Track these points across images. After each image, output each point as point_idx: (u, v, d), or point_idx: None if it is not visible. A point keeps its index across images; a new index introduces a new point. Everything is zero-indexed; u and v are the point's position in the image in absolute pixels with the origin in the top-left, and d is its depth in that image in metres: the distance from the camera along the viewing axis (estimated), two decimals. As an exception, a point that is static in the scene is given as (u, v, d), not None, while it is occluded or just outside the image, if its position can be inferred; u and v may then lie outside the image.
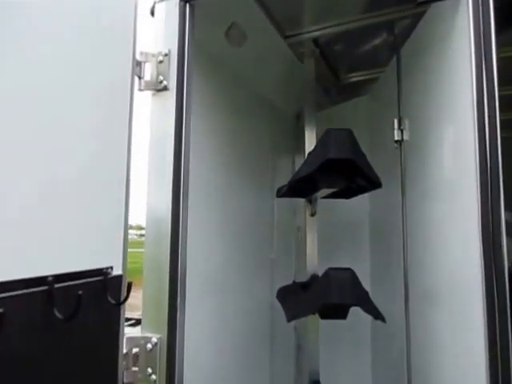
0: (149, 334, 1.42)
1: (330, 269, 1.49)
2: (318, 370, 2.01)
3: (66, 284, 1.00)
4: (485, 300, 1.28)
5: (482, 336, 1.27)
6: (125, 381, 1.40)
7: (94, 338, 1.13)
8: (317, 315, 2.05)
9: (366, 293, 1.51)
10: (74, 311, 0.94)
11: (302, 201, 2.21)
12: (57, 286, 0.97)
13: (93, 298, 1.10)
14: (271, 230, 2.52)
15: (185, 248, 1.49)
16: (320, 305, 1.45)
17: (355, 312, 1.79)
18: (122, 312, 1.20)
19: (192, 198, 1.55)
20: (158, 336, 1.41)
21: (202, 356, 1.69)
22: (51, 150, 1.08)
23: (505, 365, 1.23)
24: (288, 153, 2.75)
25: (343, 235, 2.48)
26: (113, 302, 1.13)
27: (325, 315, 1.68)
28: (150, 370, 1.40)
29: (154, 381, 1.39)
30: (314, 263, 2.07)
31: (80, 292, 0.95)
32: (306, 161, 1.69)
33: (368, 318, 2.29)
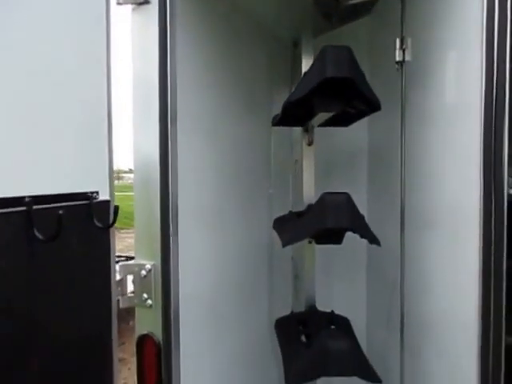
0: (143, 261, 1.41)
1: (326, 193, 1.45)
2: (314, 296, 2.04)
3: (48, 206, 0.96)
4: (481, 227, 1.26)
5: (477, 261, 1.25)
6: (121, 306, 1.41)
7: (84, 262, 1.11)
8: (313, 244, 2.06)
9: (362, 217, 1.49)
10: (56, 232, 0.90)
11: (298, 132, 2.13)
12: (37, 207, 0.92)
13: (78, 221, 1.07)
14: (268, 164, 2.46)
15: (176, 178, 1.45)
16: (315, 229, 1.43)
17: (351, 240, 1.79)
18: (111, 236, 1.17)
19: (182, 127, 1.48)
20: (152, 263, 1.40)
21: (199, 287, 1.69)
22: (25, 71, 1.00)
23: (497, 283, 1.22)
24: (285, 83, 2.61)
25: (341, 165, 2.43)
26: (100, 225, 1.09)
27: (320, 240, 1.67)
28: (145, 296, 1.40)
29: (150, 305, 1.40)
30: (311, 194, 2.04)
31: (60, 212, 0.91)
32: (301, 81, 1.59)
33: (363, 245, 2.31)
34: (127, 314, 5.79)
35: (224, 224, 1.93)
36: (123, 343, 5.06)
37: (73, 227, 1.04)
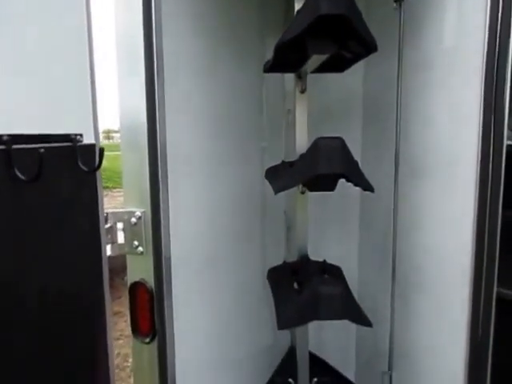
0: (132, 209, 1.39)
1: (319, 138, 1.41)
2: (307, 246, 2.05)
3: (28, 146, 0.91)
4: (478, 176, 1.23)
5: (472, 210, 1.24)
6: (111, 253, 1.40)
7: (71, 207, 1.08)
8: (306, 195, 2.04)
9: (356, 163, 1.46)
10: (38, 172, 0.86)
11: (291, 80, 2.05)
12: (17, 147, 0.88)
13: (62, 163, 1.02)
14: (260, 114, 2.40)
15: (163, 124, 1.39)
16: (308, 175, 1.40)
17: (344, 189, 1.77)
18: (97, 181, 1.14)
19: (169, 74, 1.41)
20: (142, 210, 1.37)
21: (191, 235, 1.69)
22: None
23: (492, 232, 1.21)
24: (278, 27, 2.49)
25: (335, 113, 2.37)
26: (85, 169, 1.05)
27: (313, 187, 1.64)
28: (136, 243, 1.39)
29: (141, 252, 1.39)
30: (304, 143, 1.99)
31: (42, 150, 0.86)
32: (294, 20, 1.51)
33: (356, 195, 2.30)
34: (122, 269, 5.89)
35: (216, 173, 1.89)
36: (119, 297, 5.17)
37: (56, 170, 1.00)
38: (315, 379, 2.25)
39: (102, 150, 1.08)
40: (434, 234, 1.51)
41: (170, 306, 1.43)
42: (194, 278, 1.68)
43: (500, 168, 1.21)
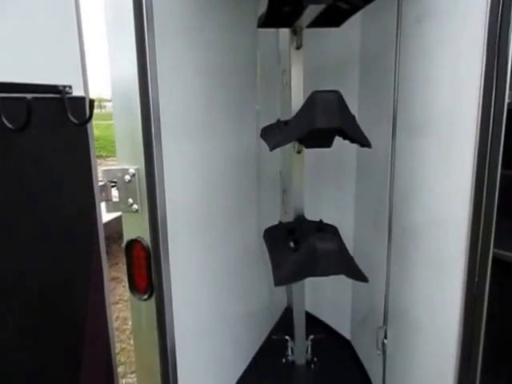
0: (126, 166, 1.36)
1: (316, 91, 1.37)
2: (303, 206, 2.05)
3: (17, 95, 0.88)
4: (478, 135, 1.21)
5: (470, 169, 1.22)
6: (106, 211, 1.39)
7: (62, 161, 1.05)
8: (302, 154, 2.02)
9: (353, 117, 1.43)
10: (26, 120, 0.83)
11: (286, 36, 1.98)
12: (3, 95, 0.84)
13: (51, 115, 0.99)
14: (255, 76, 2.33)
15: (155, 84, 1.35)
16: (305, 130, 1.37)
17: (340, 149, 1.75)
18: (89, 135, 1.10)
19: (160, 30, 1.35)
20: (136, 167, 1.35)
21: (187, 194, 1.67)
22: None
23: (490, 192, 1.20)
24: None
25: (331, 70, 2.31)
26: (75, 121, 1.02)
27: (310, 143, 1.62)
28: (130, 201, 1.37)
29: (136, 210, 1.37)
30: (299, 101, 1.95)
31: (29, 97, 0.83)
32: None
33: (352, 154, 2.28)
34: (118, 236, 5.88)
35: (210, 134, 1.86)
36: (116, 263, 5.22)
37: (45, 121, 0.97)
38: (311, 336, 2.30)
39: (92, 102, 1.04)
40: (432, 192, 1.50)
41: (167, 263, 1.43)
42: (190, 237, 1.68)
43: (500, 128, 1.18)
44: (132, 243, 1.41)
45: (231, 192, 2.06)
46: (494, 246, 1.22)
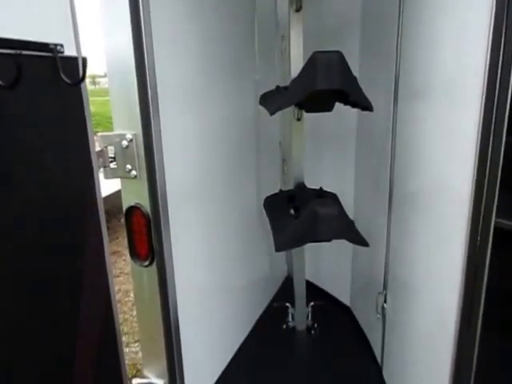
0: (122, 131, 1.33)
1: (316, 52, 1.33)
2: (303, 174, 2.03)
3: (5, 51, 0.84)
4: (484, 99, 1.17)
5: (475, 133, 1.18)
6: (104, 177, 1.37)
7: (56, 123, 1.03)
8: (302, 121, 1.99)
9: (355, 78, 1.39)
10: (17, 77, 0.80)
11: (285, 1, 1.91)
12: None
13: (42, 73, 0.95)
14: (253, 45, 2.27)
15: (151, 53, 1.30)
16: (306, 92, 1.33)
17: (340, 120, 1.71)
18: (83, 95, 1.07)
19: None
20: (133, 133, 1.32)
21: (186, 160, 1.64)
22: None
23: (494, 158, 1.17)
24: None
25: (331, 33, 2.24)
26: (68, 81, 0.98)
27: (310, 107, 1.59)
28: (129, 167, 1.35)
29: (135, 176, 1.35)
30: (299, 67, 1.90)
31: (19, 53, 0.80)
32: None
33: (353, 124, 2.25)
34: (117, 211, 5.86)
35: (209, 101, 1.82)
36: (117, 238, 5.24)
37: (36, 80, 0.93)
38: (312, 303, 2.33)
39: (84, 61, 1.00)
40: (434, 159, 1.47)
41: (167, 230, 1.42)
42: (189, 205, 1.67)
43: (506, 93, 1.13)
44: (131, 210, 1.39)
45: (230, 161, 2.04)
46: (496, 216, 1.20)
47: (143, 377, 1.61)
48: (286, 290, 2.64)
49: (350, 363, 2.06)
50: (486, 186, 1.17)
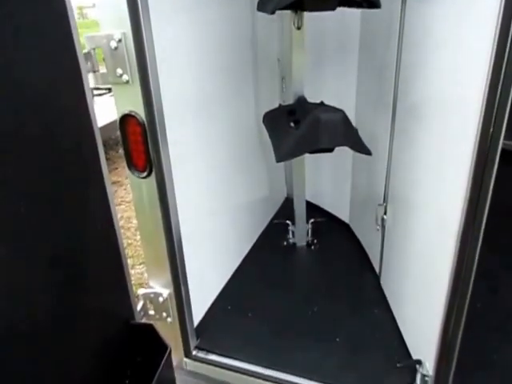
0: (110, 32, 1.23)
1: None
2: (303, 86, 1.95)
3: None
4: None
5: (489, 47, 1.06)
6: (93, 84, 1.30)
7: (29, 15, 0.93)
8: (302, 30, 1.87)
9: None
10: None
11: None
12: None
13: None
14: None
15: None
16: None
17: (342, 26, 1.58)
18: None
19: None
20: (122, 31, 1.22)
21: (181, 71, 1.55)
22: None
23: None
24: None
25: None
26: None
27: (310, 3, 1.48)
28: (120, 71, 1.27)
29: (127, 81, 1.28)
30: None
31: None
32: None
33: (356, 28, 2.10)
34: (115, 142, 5.80)
35: (202, 5, 1.68)
36: (116, 168, 5.22)
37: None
38: (311, 220, 2.36)
39: None
40: (442, 68, 1.34)
41: (165, 138, 1.38)
42: (186, 118, 1.60)
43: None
44: (126, 118, 1.34)
45: (227, 75, 1.93)
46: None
47: (149, 287, 1.66)
48: (285, 211, 2.67)
49: (349, 273, 2.12)
50: (497, 101, 1.05)
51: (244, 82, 2.15)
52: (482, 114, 1.07)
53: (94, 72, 1.28)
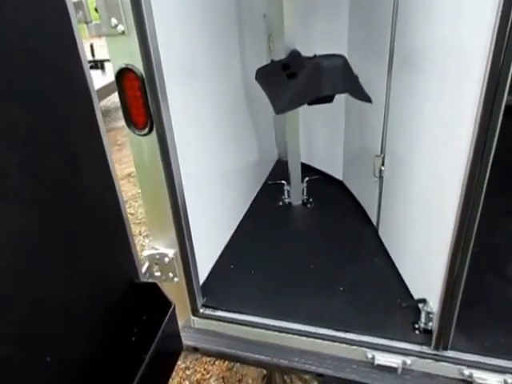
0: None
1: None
2: (295, 39, 1.90)
3: None
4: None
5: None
6: (87, 34, 1.23)
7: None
8: None
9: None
10: None
11: None
12: None
13: None
14: None
15: None
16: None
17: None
18: None
19: None
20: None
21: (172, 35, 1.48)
22: None
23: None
24: None
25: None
26: None
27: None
28: (114, 21, 1.22)
29: (123, 32, 1.22)
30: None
31: None
32: None
33: None
34: (115, 110, 5.80)
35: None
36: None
37: None
38: (306, 178, 2.37)
39: None
40: (446, 12, 1.30)
41: (164, 93, 1.33)
42: (179, 73, 1.55)
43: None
44: (123, 72, 1.29)
45: (213, 34, 1.85)
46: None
47: (153, 249, 1.65)
48: (277, 173, 2.67)
49: (346, 227, 2.16)
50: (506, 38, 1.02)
51: (229, 41, 2.08)
52: (490, 60, 1.04)
53: (87, 23, 1.21)
